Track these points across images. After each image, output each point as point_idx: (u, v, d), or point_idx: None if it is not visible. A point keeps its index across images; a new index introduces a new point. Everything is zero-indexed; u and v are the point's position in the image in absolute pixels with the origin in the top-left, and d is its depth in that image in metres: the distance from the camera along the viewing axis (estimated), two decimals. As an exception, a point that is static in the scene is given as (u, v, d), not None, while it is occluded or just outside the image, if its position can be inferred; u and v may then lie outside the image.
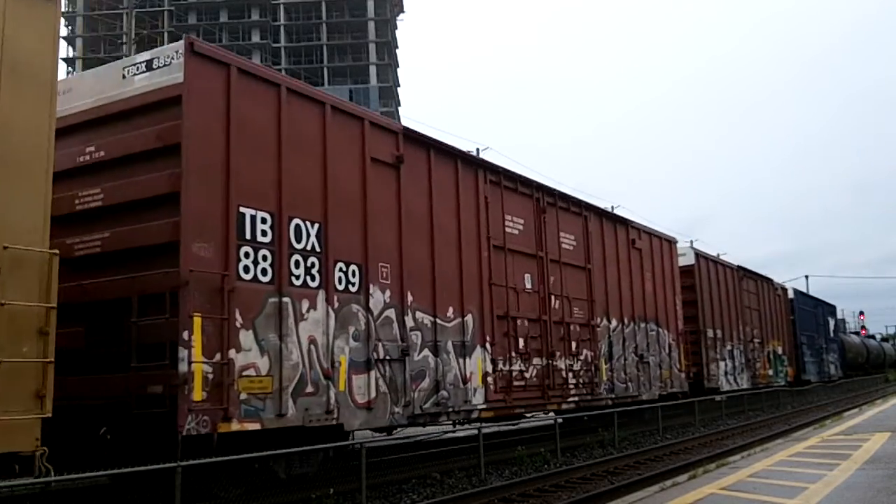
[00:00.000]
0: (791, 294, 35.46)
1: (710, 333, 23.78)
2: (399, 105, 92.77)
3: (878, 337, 76.79)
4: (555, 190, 15.88)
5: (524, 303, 13.97)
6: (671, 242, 21.42)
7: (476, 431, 11.83)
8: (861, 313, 73.43)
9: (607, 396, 16.53)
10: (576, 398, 15.28)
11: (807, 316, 37.10)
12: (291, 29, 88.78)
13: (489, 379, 12.63)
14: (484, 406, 12.49)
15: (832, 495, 7.75)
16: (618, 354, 17.22)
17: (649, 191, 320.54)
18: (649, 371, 18.73)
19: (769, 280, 31.48)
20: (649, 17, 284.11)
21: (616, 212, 23.10)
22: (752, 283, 28.91)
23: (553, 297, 14.86)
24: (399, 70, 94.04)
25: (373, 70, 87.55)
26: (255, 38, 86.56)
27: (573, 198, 16.58)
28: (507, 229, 13.80)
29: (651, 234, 20.11)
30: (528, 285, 14.20)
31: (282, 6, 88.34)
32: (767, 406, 26.54)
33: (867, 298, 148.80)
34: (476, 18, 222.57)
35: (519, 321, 13.76)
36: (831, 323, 44.35)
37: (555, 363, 14.57)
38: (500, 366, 13.03)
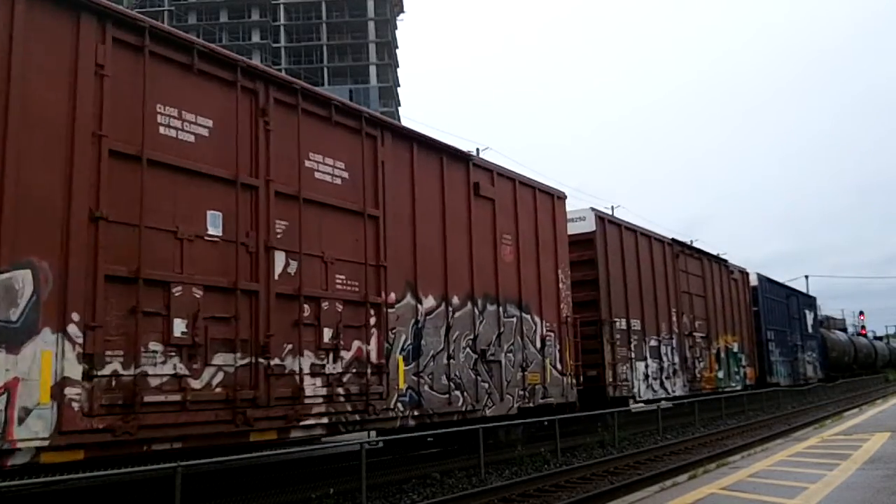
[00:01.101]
0: (754, 280, 29.82)
1: (619, 325, 18.06)
2: (399, 105, 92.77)
3: (870, 335, 71.84)
4: (297, 83, 9.95)
5: (201, 259, 8.43)
6: (555, 197, 15.69)
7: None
8: (861, 313, 73.37)
9: (404, 414, 10.90)
10: (324, 419, 9.57)
11: (775, 307, 31.95)
12: (291, 29, 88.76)
13: (72, 392, 7.02)
14: (37, 443, 6.73)
15: (832, 495, 7.75)
16: (433, 349, 11.63)
17: (650, 191, 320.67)
18: (500, 374, 13.12)
19: (722, 261, 26.12)
20: (652, 19, 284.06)
21: (616, 212, 22.86)
22: (694, 263, 23.44)
23: (280, 254, 9.31)
24: (399, 70, 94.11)
25: (373, 70, 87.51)
26: (255, 38, 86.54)
27: (347, 105, 10.79)
28: (165, 130, 8.28)
29: (517, 181, 14.43)
30: (213, 230, 8.65)
31: (282, 6, 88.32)
32: (767, 406, 26.52)
33: (867, 298, 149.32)
34: (476, 18, 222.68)
35: (178, 289, 8.12)
36: (809, 317, 38.72)
37: (274, 362, 8.97)
38: (111, 368, 7.42)
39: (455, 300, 12.29)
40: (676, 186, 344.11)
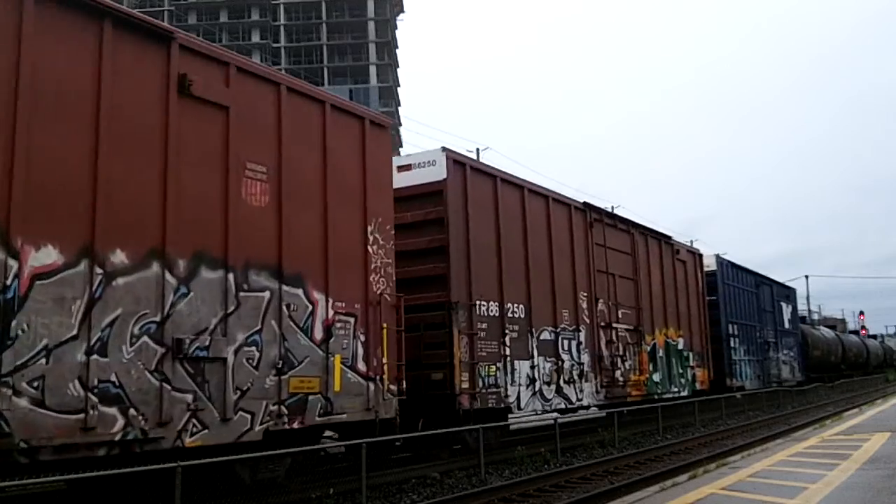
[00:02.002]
0: (711, 264, 25.34)
1: (486, 310, 13.16)
2: (399, 105, 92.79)
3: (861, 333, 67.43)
4: None
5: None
6: (366, 122, 10.97)
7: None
8: (861, 313, 73.33)
9: None
10: None
11: (741, 297, 27.26)
12: (291, 29, 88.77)
13: None
14: None
15: (832, 495, 7.75)
16: (50, 338, 6.83)
17: (651, 192, 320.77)
18: (222, 380, 8.37)
19: (663, 237, 21.23)
20: (651, 19, 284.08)
21: (616, 212, 22.35)
22: (620, 237, 18.52)
23: None
24: (399, 70, 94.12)
25: (373, 70, 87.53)
26: (255, 38, 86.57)
27: None
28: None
29: (283, 86, 9.62)
30: None
31: (282, 6, 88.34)
32: (767, 406, 26.50)
33: (867, 298, 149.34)
34: (476, 19, 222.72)
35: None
36: (786, 310, 33.75)
37: None
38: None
39: (116, 256, 7.46)
40: (677, 187, 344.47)
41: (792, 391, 30.56)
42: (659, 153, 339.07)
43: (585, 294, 16.65)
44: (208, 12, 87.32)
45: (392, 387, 10.61)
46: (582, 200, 17.28)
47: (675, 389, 20.75)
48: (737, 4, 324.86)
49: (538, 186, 15.77)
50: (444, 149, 12.99)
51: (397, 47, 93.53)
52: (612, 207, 25.76)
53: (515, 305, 14.12)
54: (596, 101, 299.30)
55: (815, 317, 69.93)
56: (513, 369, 13.73)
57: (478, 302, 13.03)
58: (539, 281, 14.87)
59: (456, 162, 13.14)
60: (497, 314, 13.51)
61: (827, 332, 44.22)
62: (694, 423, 20.36)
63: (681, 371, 21.22)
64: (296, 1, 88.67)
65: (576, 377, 15.82)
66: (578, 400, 15.90)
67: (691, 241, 28.62)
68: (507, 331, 13.71)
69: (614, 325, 17.72)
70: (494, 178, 14.16)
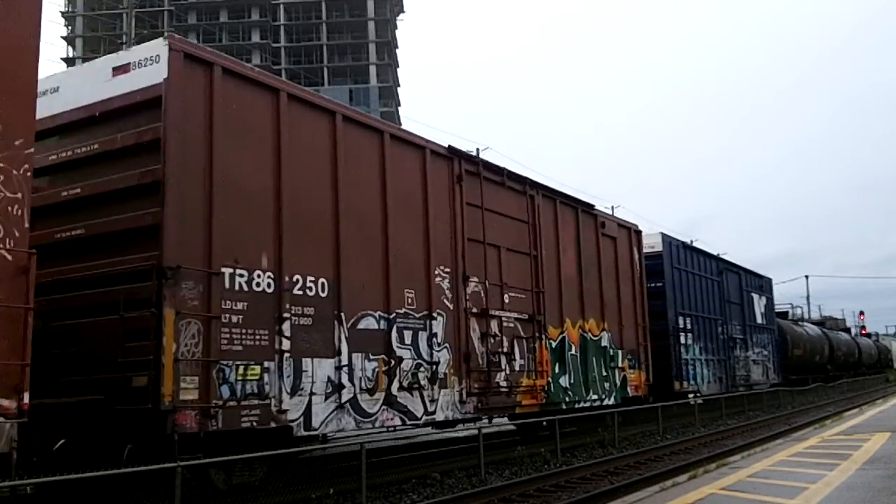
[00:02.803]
0: (656, 244, 21.30)
1: (237, 281, 8.81)
2: (399, 105, 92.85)
3: (853, 331, 64.16)
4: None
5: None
6: None
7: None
8: (861, 313, 73.38)
9: None
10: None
11: (696, 285, 23.06)
12: (291, 29, 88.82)
13: None
14: None
15: (832, 495, 7.74)
16: None
17: (651, 192, 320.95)
18: None
19: (583, 205, 16.87)
20: (651, 18, 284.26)
21: (616, 212, 22.05)
22: (510, 199, 14.35)
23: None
24: (399, 70, 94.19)
25: (373, 70, 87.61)
26: (255, 38, 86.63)
27: None
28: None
29: None
30: None
31: (282, 6, 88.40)
32: (767, 406, 26.50)
33: (867, 298, 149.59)
34: (476, 19, 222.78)
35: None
36: (759, 302, 29.43)
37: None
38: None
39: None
40: (677, 187, 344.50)
41: (792, 391, 30.36)
42: (659, 153, 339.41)
43: (447, 270, 12.34)
44: (208, 12, 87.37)
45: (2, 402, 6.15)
46: (447, 144, 12.87)
47: (595, 397, 16.21)
48: (737, 4, 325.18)
49: (366, 117, 11.56)
50: (168, 37, 8.64)
51: (397, 47, 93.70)
52: (612, 208, 24.02)
53: (309, 278, 9.73)
54: (596, 100, 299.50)
55: (816, 317, 69.63)
56: (298, 371, 9.37)
57: (227, 269, 8.67)
58: (359, 247, 10.60)
59: (191, 59, 8.68)
60: (270, 289, 9.16)
61: (811, 329, 39.99)
62: (694, 422, 20.36)
63: (605, 374, 16.71)
64: (296, 1, 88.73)
65: (423, 382, 11.43)
66: (428, 413, 11.46)
67: (692, 241, 25.78)
68: (287, 314, 9.30)
69: (496, 312, 13.22)
70: (276, 92, 9.64)
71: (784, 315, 39.70)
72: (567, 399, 15.33)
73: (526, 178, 14.89)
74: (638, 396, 18.36)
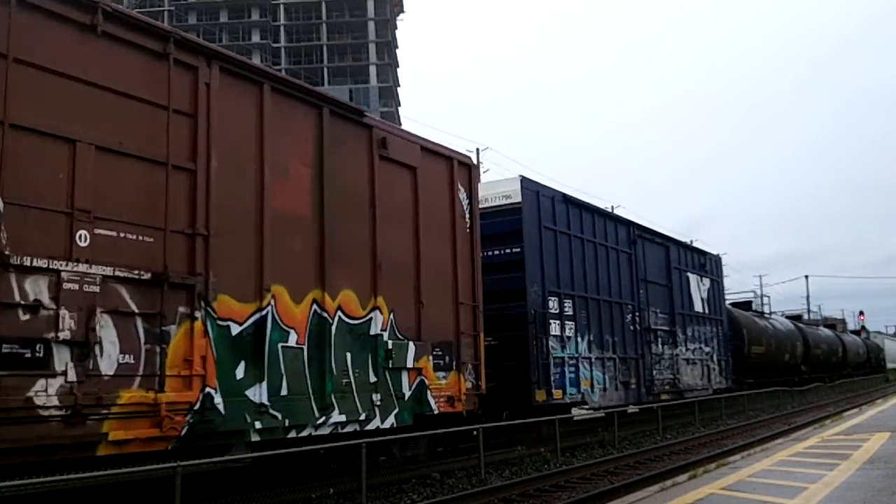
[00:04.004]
0: (510, 192, 15.25)
1: None
2: (399, 105, 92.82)
3: (842, 327, 57.74)
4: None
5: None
6: None
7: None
8: (861, 313, 73.31)
9: None
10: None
11: (581, 254, 16.80)
12: (291, 29, 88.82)
13: None
14: None
15: (832, 495, 7.74)
16: None
17: (651, 192, 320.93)
18: None
19: (337, 105, 10.57)
20: (651, 18, 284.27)
21: (617, 212, 21.46)
22: (119, 58, 7.84)
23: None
24: (399, 70, 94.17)
25: (373, 70, 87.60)
26: (255, 38, 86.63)
27: None
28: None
29: None
30: None
31: (282, 6, 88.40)
32: (767, 406, 26.48)
33: (867, 298, 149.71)
34: (476, 18, 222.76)
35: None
36: (699, 286, 23.34)
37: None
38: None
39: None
40: (677, 187, 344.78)
41: (792, 391, 30.03)
42: (659, 153, 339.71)
43: None
44: (208, 12, 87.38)
45: None
46: None
47: (344, 418, 9.85)
48: (737, 4, 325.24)
49: None
50: None
51: (397, 47, 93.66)
52: (612, 207, 22.92)
53: None
54: (596, 100, 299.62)
55: (816, 317, 69.58)
56: None
57: None
58: None
59: None
60: None
61: (780, 323, 33.91)
62: (694, 422, 20.36)
63: (374, 379, 10.47)
64: (296, 1, 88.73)
65: None
66: None
67: (691, 241, 24.73)
68: None
69: (57, 265, 7.11)
70: None
71: (747, 305, 33.82)
72: (264, 424, 8.79)
73: (172, 33, 8.46)
74: (456, 413, 11.90)
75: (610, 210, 21.16)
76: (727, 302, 28.44)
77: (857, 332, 56.78)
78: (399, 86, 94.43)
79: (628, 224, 19.65)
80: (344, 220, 10.35)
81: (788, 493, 7.95)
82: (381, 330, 10.79)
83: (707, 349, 23.49)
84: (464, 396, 12.15)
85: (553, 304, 15.54)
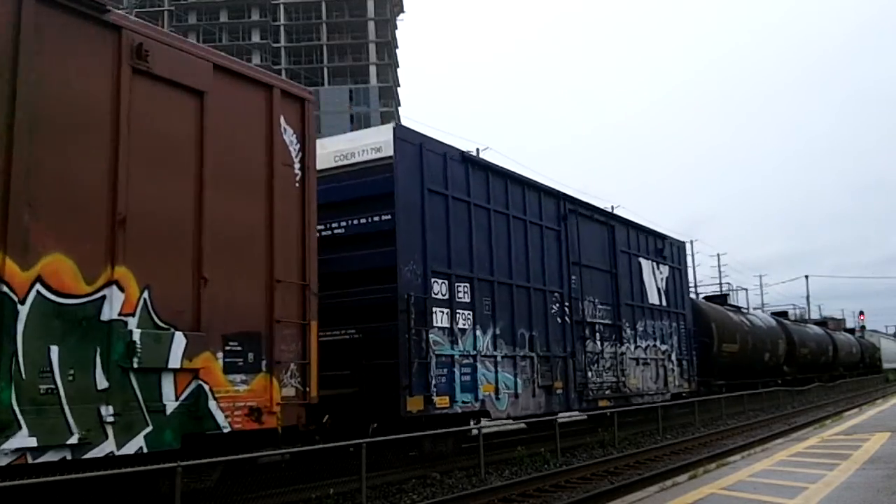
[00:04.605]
0: (380, 144, 12.02)
1: None
2: (399, 105, 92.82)
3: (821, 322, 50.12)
4: None
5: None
6: None
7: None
8: (861, 313, 73.31)
9: None
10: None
11: (486, 227, 13.62)
12: (291, 29, 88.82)
13: None
14: None
15: (832, 495, 7.74)
16: None
17: (651, 192, 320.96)
18: None
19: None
20: (651, 19, 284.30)
21: (617, 212, 20.45)
22: None
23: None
24: (399, 70, 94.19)
25: (373, 70, 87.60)
26: (255, 38, 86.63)
27: None
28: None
29: None
30: None
31: (282, 6, 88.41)
32: (768, 406, 26.48)
33: (867, 298, 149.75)
34: (476, 18, 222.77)
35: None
36: (655, 273, 20.33)
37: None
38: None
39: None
40: (678, 187, 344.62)
41: (792, 391, 29.87)
42: (659, 153, 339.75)
43: None
44: (208, 12, 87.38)
45: None
46: None
47: (35, 441, 6.58)
48: (738, 4, 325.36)
49: None
50: None
51: (397, 47, 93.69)
52: (613, 207, 21.43)
53: None
54: (597, 100, 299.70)
55: (816, 317, 69.51)
56: None
57: None
58: None
59: None
60: None
61: (759, 319, 30.80)
62: (694, 423, 20.36)
63: (101, 386, 7.16)
64: (296, 1, 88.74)
65: None
66: None
67: (691, 241, 24.77)
68: None
69: None
70: None
71: (721, 299, 30.61)
72: None
73: None
74: (261, 430, 8.77)
75: (610, 209, 19.42)
76: (701, 295, 26.14)
77: (850, 331, 53.02)
78: (399, 86, 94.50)
79: (557, 196, 16.26)
80: (59, 151, 7.11)
81: (789, 493, 7.94)
82: (123, 314, 7.43)
83: (664, 347, 20.29)
84: (278, 408, 8.79)
85: (440, 287, 12.17)
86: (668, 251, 21.63)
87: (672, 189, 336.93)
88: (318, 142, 10.81)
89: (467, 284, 12.83)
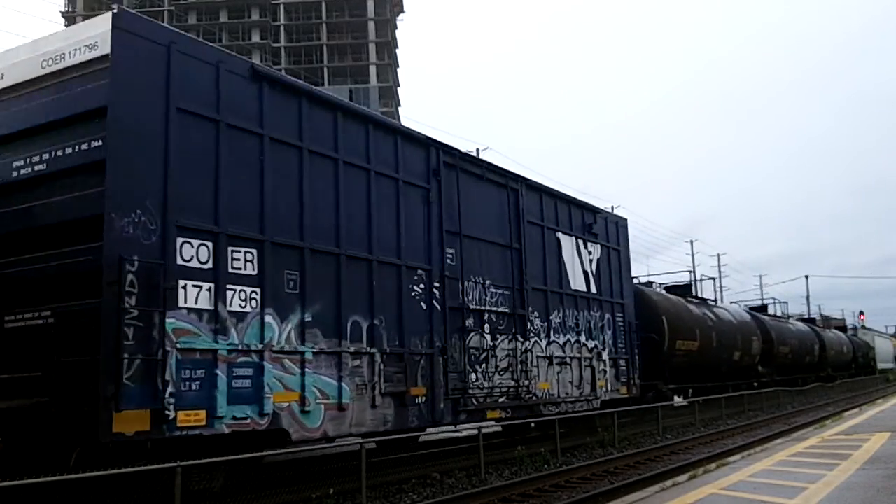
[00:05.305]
0: (97, 37, 7.99)
1: None
2: (399, 105, 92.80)
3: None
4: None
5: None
6: None
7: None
8: (861, 313, 73.36)
9: None
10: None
11: (307, 171, 9.94)
12: (291, 29, 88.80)
13: None
14: None
15: (832, 495, 7.74)
16: None
17: (652, 192, 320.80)
18: None
19: None
20: (652, 19, 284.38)
21: (617, 212, 20.29)
22: None
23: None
24: (399, 70, 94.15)
25: (373, 70, 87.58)
26: (255, 38, 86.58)
27: None
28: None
29: None
30: None
31: (282, 6, 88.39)
32: (767, 406, 26.47)
33: (867, 298, 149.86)
34: (476, 18, 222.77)
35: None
36: (580, 251, 16.70)
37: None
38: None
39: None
40: (678, 187, 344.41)
41: (792, 391, 29.85)
42: (660, 153, 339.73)
43: None
44: (208, 12, 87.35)
45: None
46: None
47: None
48: (738, 4, 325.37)
49: None
50: None
51: (397, 47, 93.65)
52: (613, 207, 20.40)
53: None
54: (597, 101, 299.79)
55: (816, 317, 69.40)
56: None
57: None
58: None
59: None
60: None
61: (727, 313, 26.38)
62: (694, 423, 20.35)
63: None
64: (296, 1, 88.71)
65: None
66: None
67: (691, 242, 24.18)
68: None
69: None
70: None
71: (684, 289, 25.87)
72: None
73: None
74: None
75: (610, 209, 18.29)
76: (660, 286, 22.67)
77: (842, 328, 48.28)
78: (399, 86, 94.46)
79: (427, 143, 12.66)
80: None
81: (789, 493, 7.94)
82: None
83: (592, 344, 16.66)
84: None
85: (195, 251, 8.56)
86: (602, 227, 17.84)
87: (672, 189, 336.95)
88: (33, 42, 8.49)
89: (253, 251, 9.18)
